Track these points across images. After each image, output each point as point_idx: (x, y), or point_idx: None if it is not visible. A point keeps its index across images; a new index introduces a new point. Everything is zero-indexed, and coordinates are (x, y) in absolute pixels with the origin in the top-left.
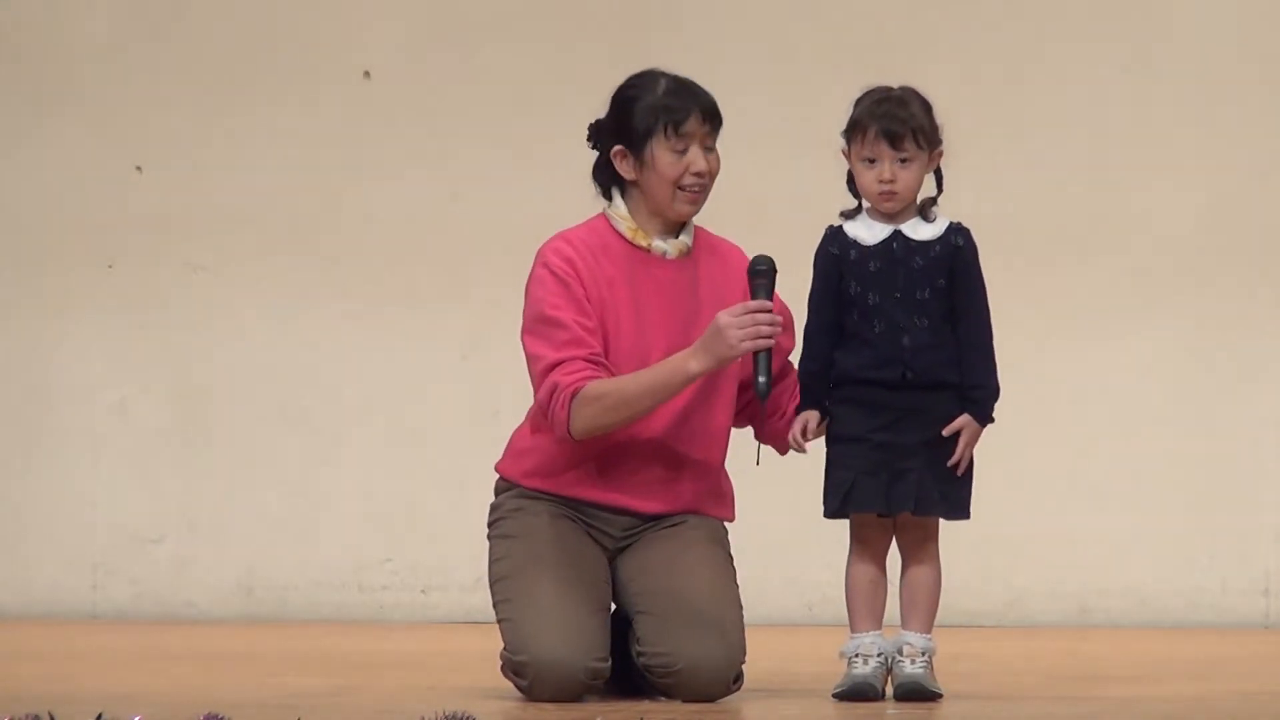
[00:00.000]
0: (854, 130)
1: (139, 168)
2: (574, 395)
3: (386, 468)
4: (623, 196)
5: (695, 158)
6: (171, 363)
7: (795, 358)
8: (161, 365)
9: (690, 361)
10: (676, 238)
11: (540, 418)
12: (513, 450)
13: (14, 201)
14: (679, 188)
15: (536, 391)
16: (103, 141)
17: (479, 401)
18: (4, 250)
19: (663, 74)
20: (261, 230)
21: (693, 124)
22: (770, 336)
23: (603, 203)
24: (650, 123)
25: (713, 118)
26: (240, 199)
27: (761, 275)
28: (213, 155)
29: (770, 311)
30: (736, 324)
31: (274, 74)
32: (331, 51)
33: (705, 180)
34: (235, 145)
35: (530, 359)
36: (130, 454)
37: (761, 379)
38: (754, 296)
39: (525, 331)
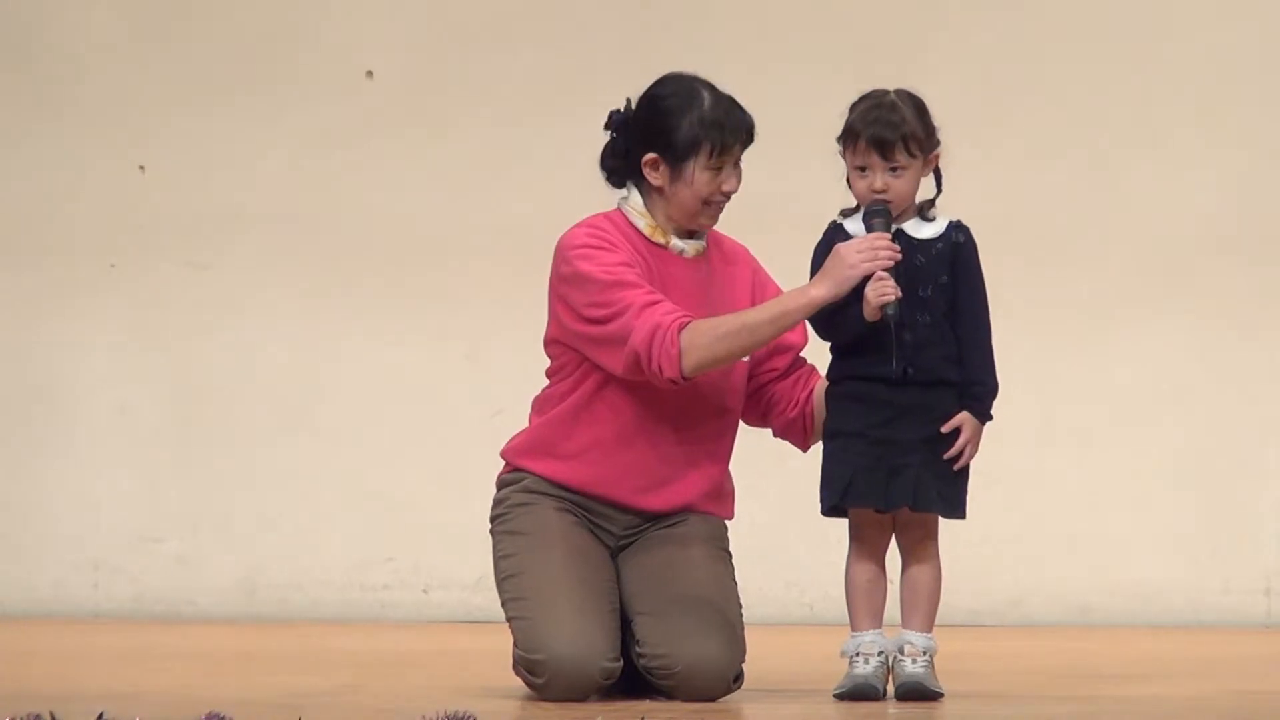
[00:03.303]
0: (846, 138)
1: (141, 167)
2: (682, 328)
3: (388, 467)
4: (640, 192)
5: (728, 177)
6: (173, 362)
7: (803, 355)
8: (163, 364)
9: (813, 289)
10: (692, 238)
11: (633, 367)
12: (521, 437)
13: (16, 201)
14: (706, 203)
15: (630, 338)
16: (105, 141)
17: (481, 401)
18: (5, 249)
19: (701, 83)
20: (263, 230)
21: (736, 149)
22: (889, 261)
23: (610, 193)
24: (697, 141)
25: (751, 140)
26: (242, 199)
27: (877, 215)
28: (215, 155)
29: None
30: (856, 247)
31: (276, 74)
32: (334, 51)
33: (729, 197)
34: (237, 145)
35: (608, 317)
36: (132, 453)
37: (890, 311)
38: (871, 232)
39: (591, 305)
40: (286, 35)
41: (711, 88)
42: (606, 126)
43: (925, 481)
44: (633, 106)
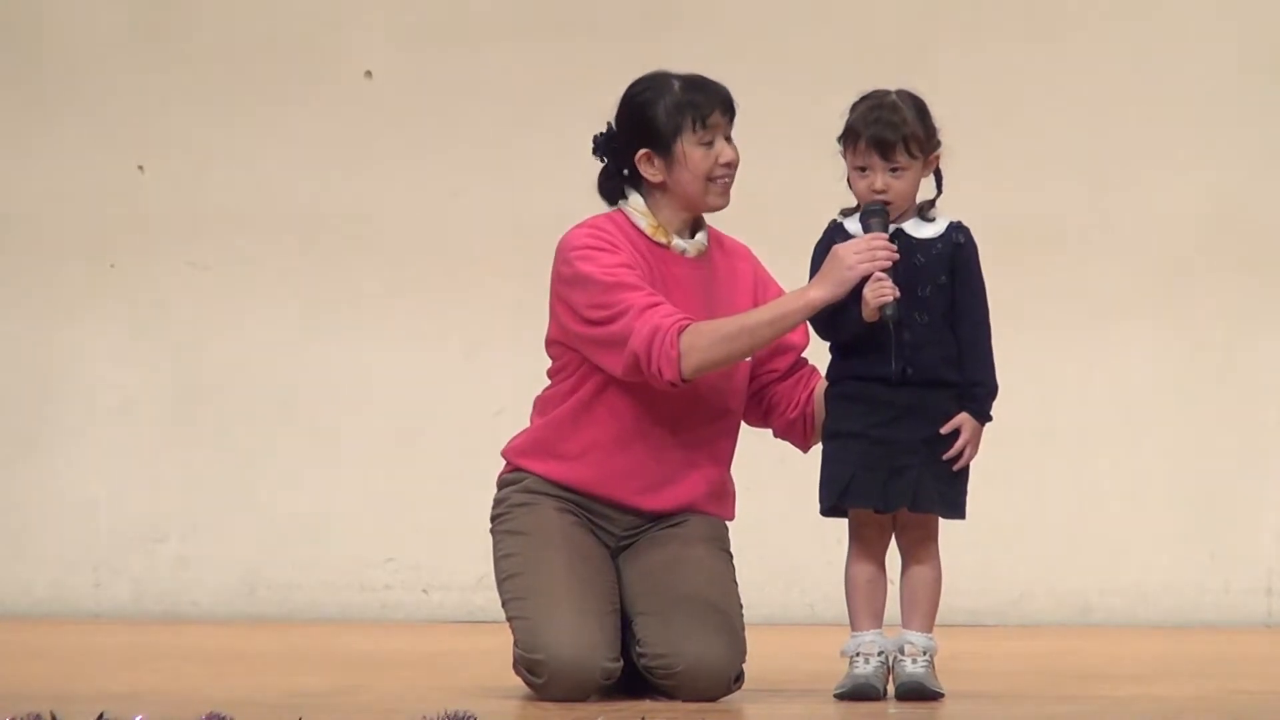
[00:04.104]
0: (847, 138)
1: (141, 167)
2: (682, 330)
3: (389, 467)
4: (640, 194)
5: (723, 148)
6: (173, 362)
7: (804, 355)
8: (163, 364)
9: (811, 290)
10: (693, 237)
11: (633, 369)
12: (523, 437)
13: (17, 201)
14: (709, 180)
15: (630, 340)
16: (105, 141)
17: (481, 400)
18: (6, 249)
19: (669, 73)
20: (263, 230)
21: (716, 116)
22: (887, 261)
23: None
24: (677, 120)
25: (731, 109)
26: (242, 198)
27: (874, 215)
28: (215, 155)
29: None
30: (854, 248)
31: (276, 74)
32: (333, 51)
33: (733, 170)
34: (237, 145)
35: (609, 318)
36: (132, 453)
37: (889, 312)
38: (868, 232)
39: (591, 306)
40: (286, 35)
41: (679, 74)
42: (594, 152)
43: (925, 482)
44: (613, 127)
